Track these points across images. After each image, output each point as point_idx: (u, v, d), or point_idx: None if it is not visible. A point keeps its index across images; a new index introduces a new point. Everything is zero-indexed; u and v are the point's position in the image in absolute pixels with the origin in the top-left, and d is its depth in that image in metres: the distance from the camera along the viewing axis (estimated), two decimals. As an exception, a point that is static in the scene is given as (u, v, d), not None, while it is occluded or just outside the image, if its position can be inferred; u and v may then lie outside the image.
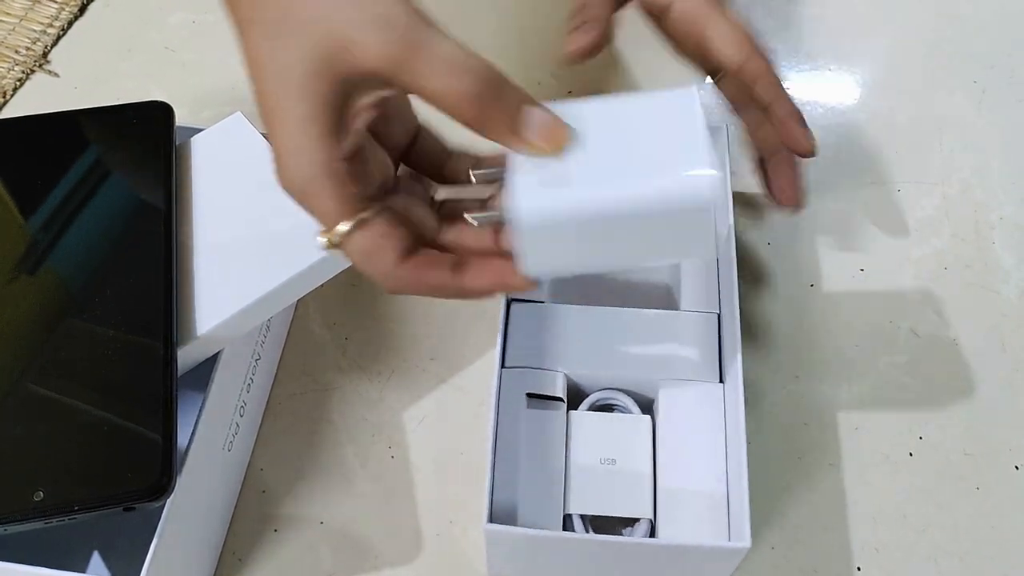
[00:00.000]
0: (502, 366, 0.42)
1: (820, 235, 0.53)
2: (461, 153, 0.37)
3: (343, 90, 0.31)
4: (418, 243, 0.34)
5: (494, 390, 0.41)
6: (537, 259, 0.33)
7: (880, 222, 0.54)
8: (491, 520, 0.37)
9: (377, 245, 0.32)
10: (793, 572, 0.42)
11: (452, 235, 0.36)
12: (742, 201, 0.54)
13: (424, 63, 0.30)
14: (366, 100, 0.32)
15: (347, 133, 0.32)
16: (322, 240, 0.32)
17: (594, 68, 0.61)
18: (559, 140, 0.32)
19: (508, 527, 0.36)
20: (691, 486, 0.41)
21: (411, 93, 0.31)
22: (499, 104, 0.31)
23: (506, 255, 0.33)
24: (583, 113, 0.33)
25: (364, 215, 0.32)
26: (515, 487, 0.40)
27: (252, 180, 0.43)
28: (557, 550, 0.38)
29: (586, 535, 0.39)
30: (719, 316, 0.45)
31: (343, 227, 0.32)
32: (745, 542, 0.36)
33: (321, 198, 0.32)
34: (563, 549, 0.38)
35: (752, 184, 0.55)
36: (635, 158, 0.32)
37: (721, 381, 0.43)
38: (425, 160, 0.37)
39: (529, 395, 0.42)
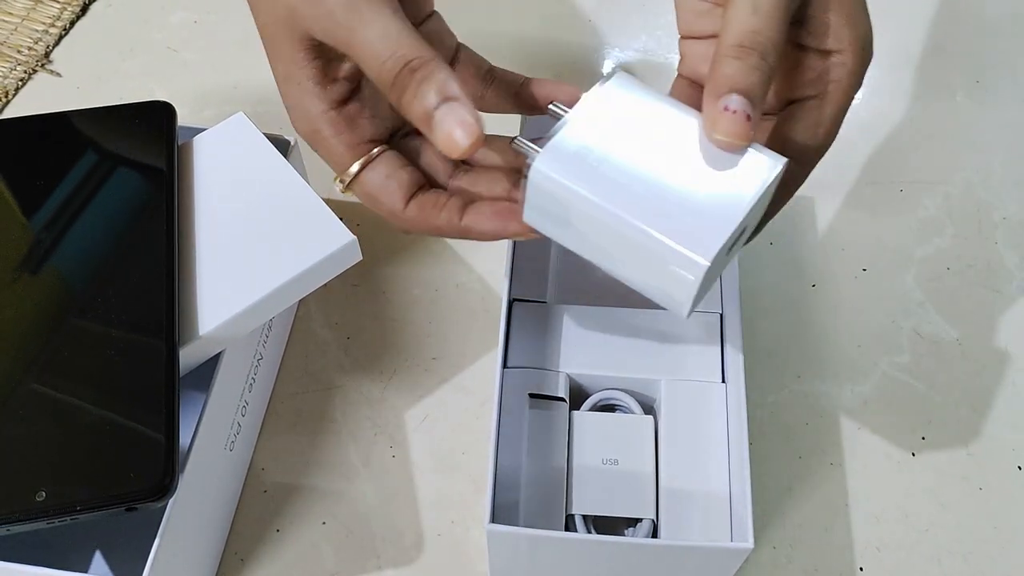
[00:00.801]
0: (504, 366, 0.42)
1: (822, 235, 0.53)
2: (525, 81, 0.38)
3: (312, 48, 0.32)
4: (427, 182, 0.35)
5: (496, 390, 0.41)
6: (535, 215, 0.33)
7: (882, 222, 0.54)
8: (493, 520, 0.37)
9: (382, 185, 0.34)
10: (795, 572, 0.42)
11: (466, 181, 0.36)
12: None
13: (360, 43, 0.31)
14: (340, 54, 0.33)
15: (335, 82, 0.33)
16: (337, 185, 0.34)
17: (596, 67, 0.61)
18: (461, 146, 0.30)
19: (510, 527, 0.36)
20: (694, 486, 0.40)
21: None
22: (416, 93, 0.30)
23: (515, 202, 0.34)
24: (673, 111, 0.32)
25: (370, 155, 0.33)
26: (517, 487, 0.40)
27: (254, 180, 0.43)
28: (559, 550, 0.38)
29: (588, 535, 0.39)
30: (721, 316, 0.45)
31: (352, 168, 0.33)
32: (748, 543, 0.36)
33: (327, 144, 0.33)
34: (565, 549, 0.38)
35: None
36: (668, 187, 0.31)
37: (723, 381, 0.43)
38: (470, 82, 0.37)
39: (531, 395, 0.42)
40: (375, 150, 0.34)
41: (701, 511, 0.40)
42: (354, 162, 0.33)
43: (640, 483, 0.41)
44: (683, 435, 0.42)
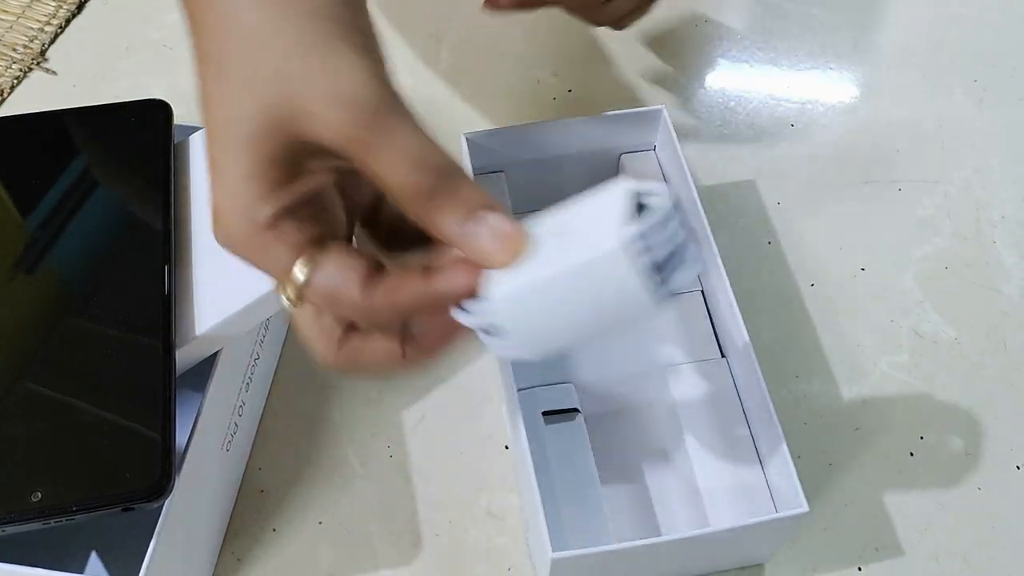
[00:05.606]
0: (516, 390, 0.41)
1: (821, 234, 0.53)
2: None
3: (293, 152, 0.29)
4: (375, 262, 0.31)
5: (519, 417, 0.39)
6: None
7: (881, 221, 0.53)
8: (554, 549, 0.35)
9: (340, 279, 0.29)
10: (795, 571, 0.42)
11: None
12: (740, 200, 0.54)
13: (384, 152, 0.28)
14: (318, 164, 0.30)
15: (294, 191, 0.29)
16: (283, 299, 0.30)
17: (594, 65, 0.61)
18: (514, 248, 0.29)
19: (576, 552, 0.35)
20: (725, 470, 0.41)
21: (364, 173, 0.29)
22: (453, 204, 0.29)
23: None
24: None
25: (315, 252, 0.29)
26: (556, 509, 0.40)
27: (251, 179, 0.43)
28: (624, 560, 0.37)
29: (658, 539, 0.37)
30: (703, 293, 0.45)
31: (299, 273, 0.29)
32: (802, 507, 0.36)
33: (266, 251, 0.29)
34: (632, 557, 0.37)
35: (753, 180, 0.55)
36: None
37: (722, 355, 0.43)
38: (384, 226, 0.33)
39: (544, 413, 0.42)
40: (321, 246, 0.30)
41: (740, 489, 0.41)
42: (294, 265, 0.29)
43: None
44: (700, 418, 0.42)
